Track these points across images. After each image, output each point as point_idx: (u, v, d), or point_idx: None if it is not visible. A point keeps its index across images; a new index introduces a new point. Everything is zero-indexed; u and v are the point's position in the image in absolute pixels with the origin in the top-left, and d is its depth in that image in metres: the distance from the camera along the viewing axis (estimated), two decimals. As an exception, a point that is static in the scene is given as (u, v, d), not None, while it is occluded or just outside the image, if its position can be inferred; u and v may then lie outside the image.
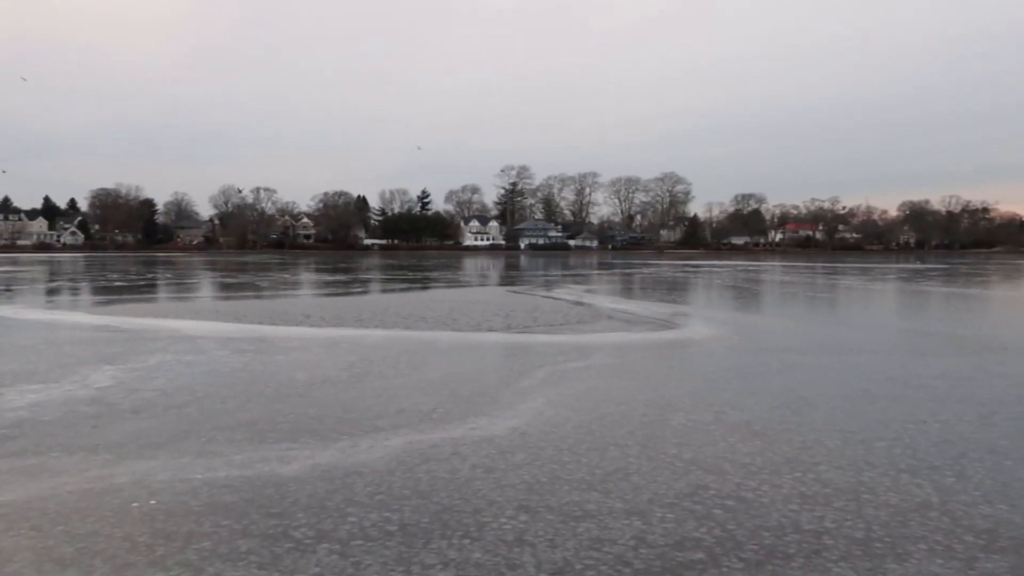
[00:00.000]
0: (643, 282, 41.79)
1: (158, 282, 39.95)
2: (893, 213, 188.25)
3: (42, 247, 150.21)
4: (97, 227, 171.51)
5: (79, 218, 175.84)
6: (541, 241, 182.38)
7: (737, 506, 5.60)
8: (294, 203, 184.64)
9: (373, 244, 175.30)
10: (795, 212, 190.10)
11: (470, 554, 4.75)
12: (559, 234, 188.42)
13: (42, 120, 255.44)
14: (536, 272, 57.33)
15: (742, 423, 8.18)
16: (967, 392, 9.98)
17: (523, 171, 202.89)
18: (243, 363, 12.12)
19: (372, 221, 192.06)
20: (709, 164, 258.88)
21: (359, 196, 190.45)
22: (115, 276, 45.69)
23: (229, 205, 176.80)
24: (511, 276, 50.60)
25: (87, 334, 16.03)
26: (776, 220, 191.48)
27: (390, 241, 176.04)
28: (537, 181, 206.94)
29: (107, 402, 9.11)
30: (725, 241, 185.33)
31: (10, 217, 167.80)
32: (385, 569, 4.53)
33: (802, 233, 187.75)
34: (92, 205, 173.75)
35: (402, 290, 33.80)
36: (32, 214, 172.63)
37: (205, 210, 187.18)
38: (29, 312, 21.39)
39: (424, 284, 38.99)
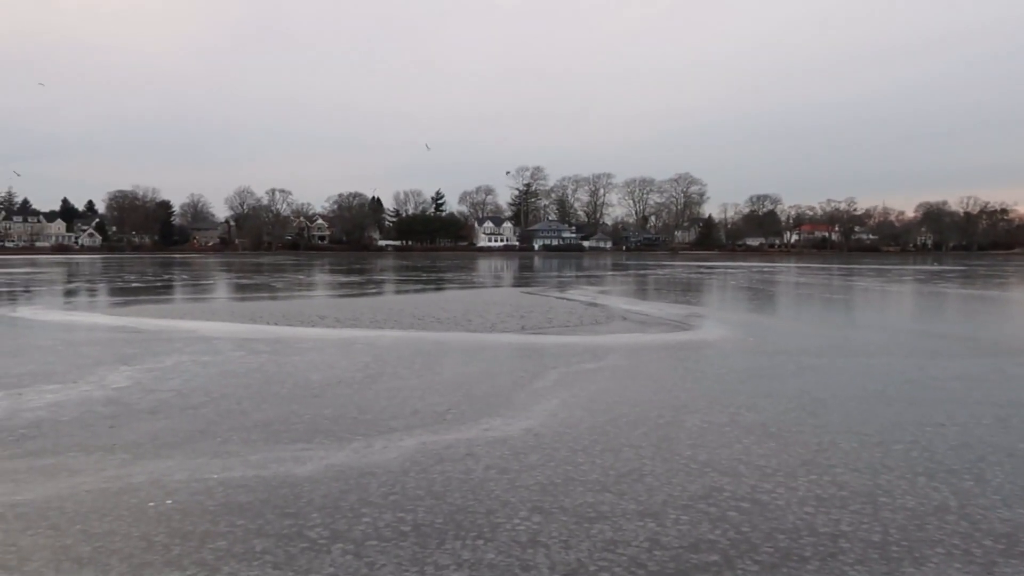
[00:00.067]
0: (657, 283, 41.67)
1: (174, 283, 40.23)
2: (910, 214, 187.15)
3: (60, 249, 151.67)
4: (114, 229, 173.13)
5: (97, 220, 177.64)
6: (555, 242, 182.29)
7: (752, 508, 5.57)
8: (309, 204, 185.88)
9: (387, 245, 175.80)
10: (811, 213, 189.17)
11: (484, 555, 4.75)
12: (573, 235, 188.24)
13: (60, 122, 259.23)
14: (550, 273, 57.30)
15: (757, 425, 8.14)
16: (984, 394, 9.89)
17: (537, 172, 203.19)
18: (258, 364, 12.18)
19: (386, 222, 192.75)
20: (724, 165, 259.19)
21: (373, 197, 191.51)
22: (132, 277, 46.05)
23: (244, 207, 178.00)
24: (525, 277, 50.59)
25: (104, 335, 16.17)
26: (791, 221, 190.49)
27: (404, 242, 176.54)
28: (551, 182, 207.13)
29: (124, 402, 9.18)
30: (740, 242, 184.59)
31: (29, 219, 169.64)
32: (399, 569, 4.54)
33: (818, 234, 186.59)
34: (109, 207, 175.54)
35: (416, 291, 33.87)
36: (51, 216, 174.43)
37: (221, 211, 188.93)
38: (47, 313, 21.59)
39: (438, 285, 39.05)
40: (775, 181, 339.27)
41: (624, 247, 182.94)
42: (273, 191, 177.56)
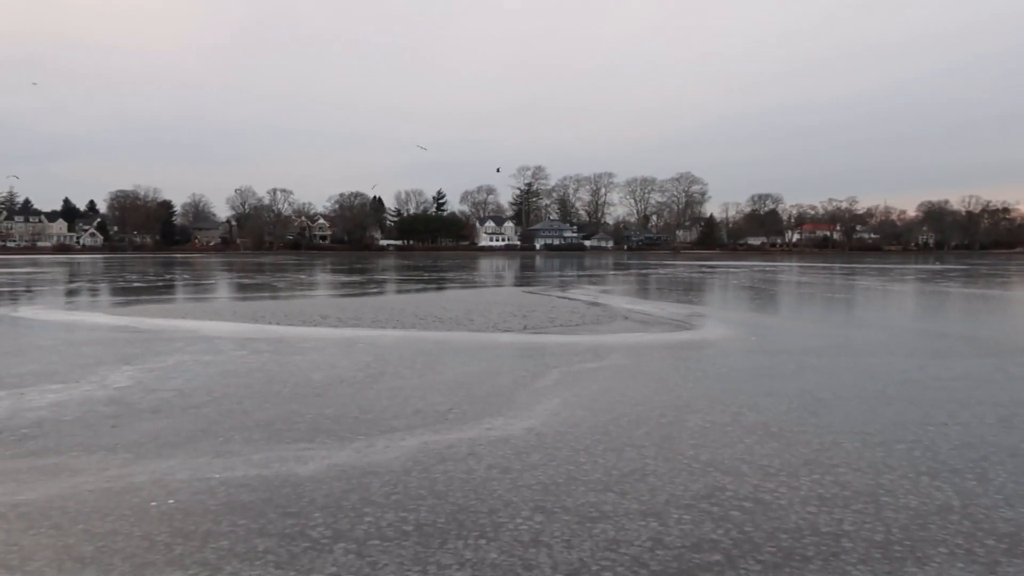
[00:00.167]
0: (659, 283, 41.66)
1: (176, 283, 40.25)
2: (912, 213, 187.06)
3: (61, 248, 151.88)
4: (116, 228, 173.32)
5: (98, 219, 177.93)
6: (556, 241, 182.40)
7: (755, 508, 5.57)
8: (310, 204, 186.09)
9: (389, 245, 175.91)
10: (812, 212, 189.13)
11: (486, 554, 4.75)
12: (574, 234, 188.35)
13: (62, 121, 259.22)
14: (551, 273, 57.29)
15: (759, 424, 8.13)
16: (987, 394, 9.87)
17: (538, 171, 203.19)
18: (260, 363, 12.18)
19: (388, 222, 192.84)
20: (725, 164, 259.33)
21: (375, 197, 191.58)
22: (133, 277, 46.08)
23: (246, 206, 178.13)
24: (526, 276, 50.59)
25: (106, 335, 16.18)
26: (793, 220, 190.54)
27: (406, 242, 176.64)
28: (552, 181, 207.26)
29: (126, 402, 9.19)
30: (741, 242, 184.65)
31: (31, 219, 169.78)
32: (401, 569, 4.54)
33: (819, 233, 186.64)
34: (111, 207, 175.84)
35: (418, 290, 33.87)
36: (52, 216, 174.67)
37: (222, 211, 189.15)
38: (49, 313, 21.60)
39: (440, 285, 39.05)
40: (776, 180, 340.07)
41: (626, 246, 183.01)
42: (274, 191, 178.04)
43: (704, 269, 63.73)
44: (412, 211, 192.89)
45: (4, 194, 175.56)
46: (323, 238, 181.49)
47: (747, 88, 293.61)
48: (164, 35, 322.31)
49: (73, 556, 4.71)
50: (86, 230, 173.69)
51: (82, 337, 15.72)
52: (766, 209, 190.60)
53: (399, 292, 33.36)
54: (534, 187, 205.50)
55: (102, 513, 5.44)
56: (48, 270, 58.17)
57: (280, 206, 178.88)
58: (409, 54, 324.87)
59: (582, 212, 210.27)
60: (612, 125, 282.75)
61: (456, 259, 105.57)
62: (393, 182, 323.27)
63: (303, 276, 48.70)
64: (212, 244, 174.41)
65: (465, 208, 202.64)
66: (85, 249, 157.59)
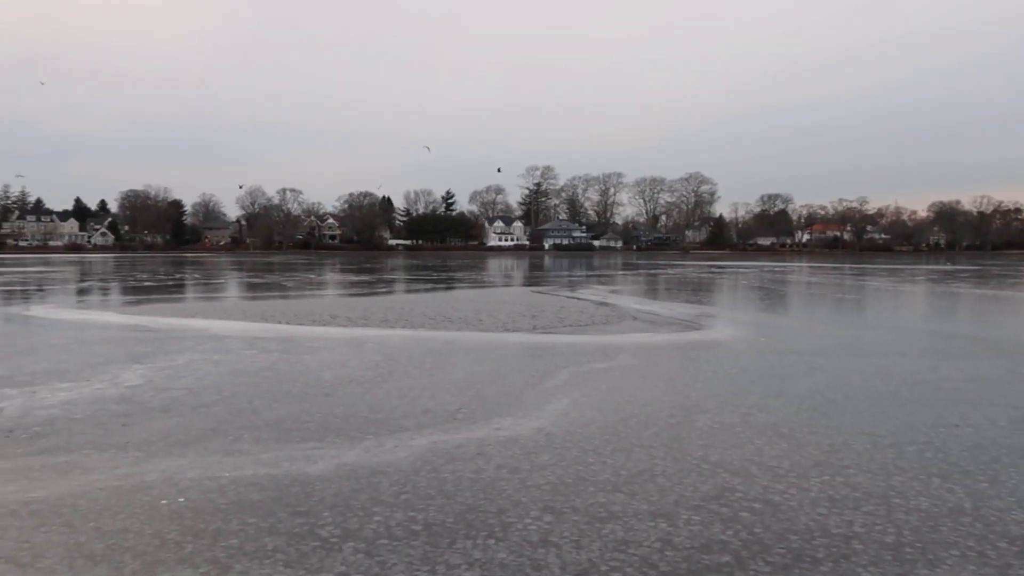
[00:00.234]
0: (668, 283, 41.59)
1: (186, 282, 40.41)
2: (923, 214, 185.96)
3: (73, 248, 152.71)
4: (127, 228, 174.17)
5: (109, 219, 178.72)
6: (565, 241, 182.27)
7: (764, 509, 5.55)
8: (319, 204, 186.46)
9: (398, 244, 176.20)
10: (822, 213, 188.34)
11: (495, 554, 4.75)
12: (583, 234, 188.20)
13: (72, 121, 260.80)
14: (560, 273, 57.26)
15: (769, 425, 8.10)
16: (999, 395, 9.81)
17: (547, 171, 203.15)
18: (270, 362, 12.22)
19: (397, 221, 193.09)
20: (734, 164, 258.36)
21: (384, 196, 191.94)
22: (144, 276, 46.31)
23: (256, 206, 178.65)
24: (535, 276, 50.58)
25: (117, 334, 16.26)
26: (803, 221, 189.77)
27: (415, 241, 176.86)
28: (561, 181, 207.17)
29: (137, 401, 9.23)
30: (751, 242, 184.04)
31: (42, 218, 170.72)
32: (410, 568, 4.55)
33: (829, 234, 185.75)
34: (122, 206, 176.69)
35: (427, 290, 33.90)
36: (64, 215, 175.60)
37: (232, 211, 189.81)
38: (60, 312, 21.73)
39: (449, 284, 39.09)
40: (786, 180, 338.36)
41: (635, 246, 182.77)
42: (284, 190, 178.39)
43: (713, 269, 63.58)
44: (421, 211, 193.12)
45: (16, 194, 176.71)
46: (332, 238, 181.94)
47: (755, 86, 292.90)
48: (174, 34, 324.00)
49: (84, 554, 4.74)
50: (97, 229, 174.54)
51: (93, 336, 15.80)
52: (776, 209, 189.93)
53: (408, 292, 33.41)
54: (543, 187, 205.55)
55: (113, 511, 5.46)
56: (59, 269, 58.51)
57: (289, 206, 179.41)
58: (418, 51, 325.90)
59: (591, 212, 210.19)
60: (621, 124, 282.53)
61: (465, 259, 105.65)
62: (402, 181, 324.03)
63: (312, 276, 48.83)
64: (222, 244, 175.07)
65: (474, 208, 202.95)
66: (96, 248, 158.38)
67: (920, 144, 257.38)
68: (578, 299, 27.17)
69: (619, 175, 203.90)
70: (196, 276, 47.99)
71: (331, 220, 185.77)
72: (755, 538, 5.02)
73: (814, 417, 8.52)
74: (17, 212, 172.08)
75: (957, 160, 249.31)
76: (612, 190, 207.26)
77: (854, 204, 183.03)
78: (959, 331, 18.84)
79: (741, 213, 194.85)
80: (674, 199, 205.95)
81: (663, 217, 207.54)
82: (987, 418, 8.47)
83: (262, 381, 10.62)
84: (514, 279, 46.81)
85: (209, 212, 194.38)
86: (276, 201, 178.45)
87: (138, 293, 31.44)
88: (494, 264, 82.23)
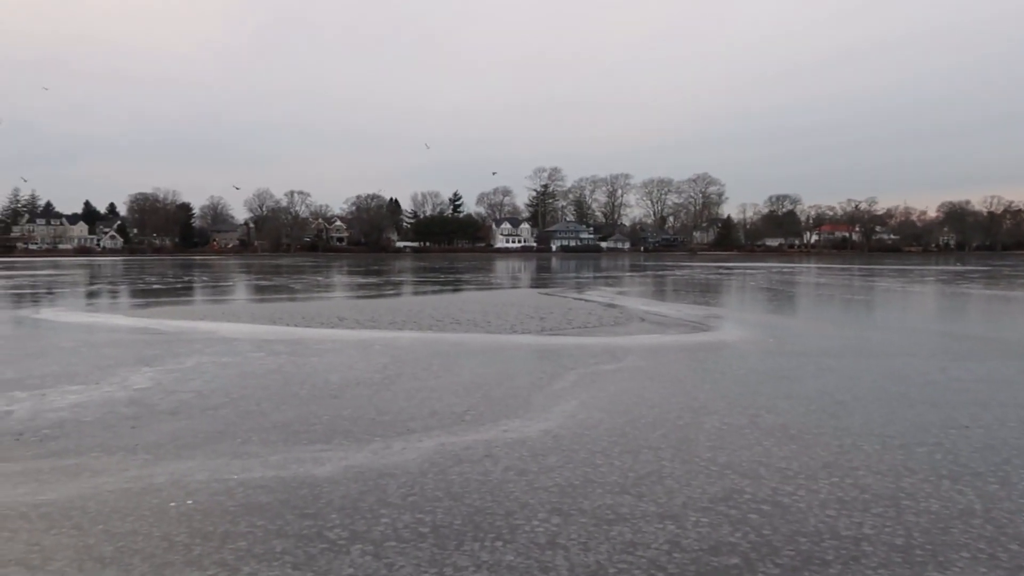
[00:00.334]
0: (676, 284, 41.51)
1: (194, 285, 40.56)
2: (932, 214, 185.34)
3: (82, 251, 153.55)
4: (135, 231, 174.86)
5: (118, 222, 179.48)
6: (573, 243, 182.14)
7: (773, 511, 5.53)
8: (327, 206, 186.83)
9: (405, 246, 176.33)
10: (831, 213, 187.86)
11: (503, 556, 4.74)
12: (591, 236, 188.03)
13: (80, 123, 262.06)
14: (568, 274, 57.22)
15: (778, 427, 8.07)
16: (1009, 396, 9.75)
17: (555, 173, 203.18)
18: (278, 365, 12.24)
19: (404, 223, 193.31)
20: (742, 165, 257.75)
21: (391, 199, 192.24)
22: (152, 279, 46.49)
23: (264, 208, 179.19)
24: (543, 278, 50.55)
25: (126, 336, 16.32)
26: (811, 221, 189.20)
27: (422, 243, 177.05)
28: (569, 183, 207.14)
29: (145, 403, 9.26)
30: (759, 243, 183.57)
31: (52, 222, 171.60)
32: (418, 570, 4.54)
33: (838, 234, 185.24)
34: (131, 209, 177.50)
35: (434, 292, 33.93)
36: (73, 219, 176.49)
37: (240, 214, 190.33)
38: (70, 315, 21.83)
39: (456, 286, 39.11)
40: (794, 180, 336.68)
41: (642, 248, 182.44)
42: (292, 193, 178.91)
43: (721, 270, 63.44)
44: (428, 213, 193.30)
45: (26, 197, 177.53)
46: (340, 240, 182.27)
47: (762, 85, 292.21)
48: (182, 35, 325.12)
49: (93, 556, 4.76)
50: (106, 232, 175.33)
51: (102, 339, 15.87)
52: (784, 210, 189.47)
53: (416, 294, 33.45)
54: (550, 188, 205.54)
55: (122, 513, 5.48)
56: (69, 272, 58.81)
57: (297, 208, 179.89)
58: (424, 51, 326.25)
59: (598, 213, 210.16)
60: (628, 125, 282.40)
61: (472, 261, 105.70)
62: (409, 183, 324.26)
63: (320, 278, 48.95)
64: (230, 246, 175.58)
65: (481, 210, 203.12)
66: (105, 251, 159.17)
67: (929, 143, 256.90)
68: (586, 301, 27.15)
69: (626, 176, 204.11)
70: (204, 279, 48.15)
71: (339, 222, 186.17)
72: (764, 540, 5.00)
73: (823, 418, 8.48)
74: (27, 215, 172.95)
75: (967, 159, 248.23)
76: (619, 191, 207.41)
77: (863, 205, 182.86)
78: (969, 332, 18.74)
79: (749, 214, 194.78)
80: (682, 200, 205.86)
81: (671, 218, 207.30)
82: (997, 419, 8.41)
83: (270, 383, 10.65)
84: (521, 281, 46.80)
85: (217, 215, 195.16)
86: (284, 203, 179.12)
87: (147, 296, 31.57)
88: (501, 266, 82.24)
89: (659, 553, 4.79)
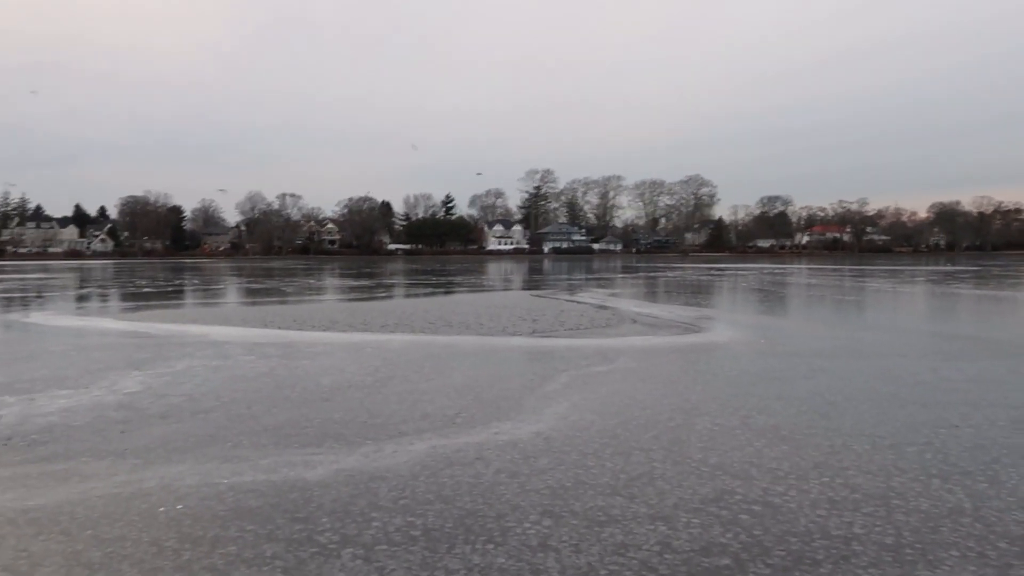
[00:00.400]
0: (668, 286, 41.58)
1: (185, 288, 40.42)
2: (922, 215, 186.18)
3: (72, 254, 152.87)
4: (126, 234, 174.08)
5: (109, 225, 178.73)
6: (565, 245, 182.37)
7: (764, 511, 5.54)
8: (319, 209, 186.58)
9: (397, 249, 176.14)
10: (822, 214, 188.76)
11: (494, 559, 4.74)
12: (583, 238, 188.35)
13: (72, 126, 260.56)
14: (560, 276, 57.24)
15: (769, 427, 8.09)
16: (999, 396, 9.80)
17: (547, 175, 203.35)
18: (269, 368, 12.21)
19: (396, 226, 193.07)
20: (734, 167, 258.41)
21: (383, 201, 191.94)
22: (143, 282, 46.31)
23: (255, 211, 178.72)
24: (535, 280, 50.56)
25: (116, 340, 16.25)
26: (802, 222, 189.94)
27: (414, 246, 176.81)
28: (561, 185, 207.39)
29: (135, 407, 9.22)
30: (751, 244, 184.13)
31: (42, 225, 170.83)
32: (409, 574, 4.53)
33: (829, 235, 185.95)
34: (121, 212, 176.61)
35: (427, 294, 33.90)
36: (63, 222, 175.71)
37: (232, 216, 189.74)
38: (59, 318, 21.73)
39: (448, 289, 39.09)
40: (785, 181, 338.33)
41: (634, 249, 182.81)
42: (283, 195, 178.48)
43: (713, 272, 63.59)
44: (420, 215, 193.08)
45: (16, 201, 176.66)
46: (332, 242, 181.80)
47: (755, 87, 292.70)
48: (174, 38, 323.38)
49: (82, 562, 4.73)
50: (97, 236, 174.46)
51: (92, 342, 15.80)
52: (775, 211, 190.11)
53: (408, 296, 33.41)
54: (542, 190, 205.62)
55: (111, 519, 5.45)
56: (59, 276, 58.53)
57: (289, 211, 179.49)
58: (419, 56, 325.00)
59: (591, 215, 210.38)
60: (621, 126, 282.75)
61: (465, 263, 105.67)
62: (402, 185, 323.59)
63: (312, 281, 48.85)
64: (222, 249, 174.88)
65: (473, 212, 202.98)
66: (96, 255, 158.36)
67: (920, 145, 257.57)
68: (578, 302, 27.17)
69: (618, 178, 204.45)
70: (195, 282, 47.99)
71: (330, 225, 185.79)
72: (755, 540, 5.01)
73: (814, 419, 8.51)
74: (17, 219, 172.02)
75: (957, 160, 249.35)
76: (612, 193, 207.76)
77: (853, 205, 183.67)
78: (959, 332, 18.83)
79: (741, 215, 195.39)
80: (674, 202, 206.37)
81: (663, 220, 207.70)
82: (987, 419, 8.45)
83: (261, 387, 10.61)
84: (514, 283, 46.81)
85: (209, 217, 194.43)
86: (276, 206, 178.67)
87: (137, 299, 31.44)
88: (494, 268, 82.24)
89: (650, 554, 4.79)
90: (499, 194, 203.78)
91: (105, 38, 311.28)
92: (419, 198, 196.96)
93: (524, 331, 17.42)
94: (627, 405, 9.28)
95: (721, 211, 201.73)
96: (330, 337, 16.38)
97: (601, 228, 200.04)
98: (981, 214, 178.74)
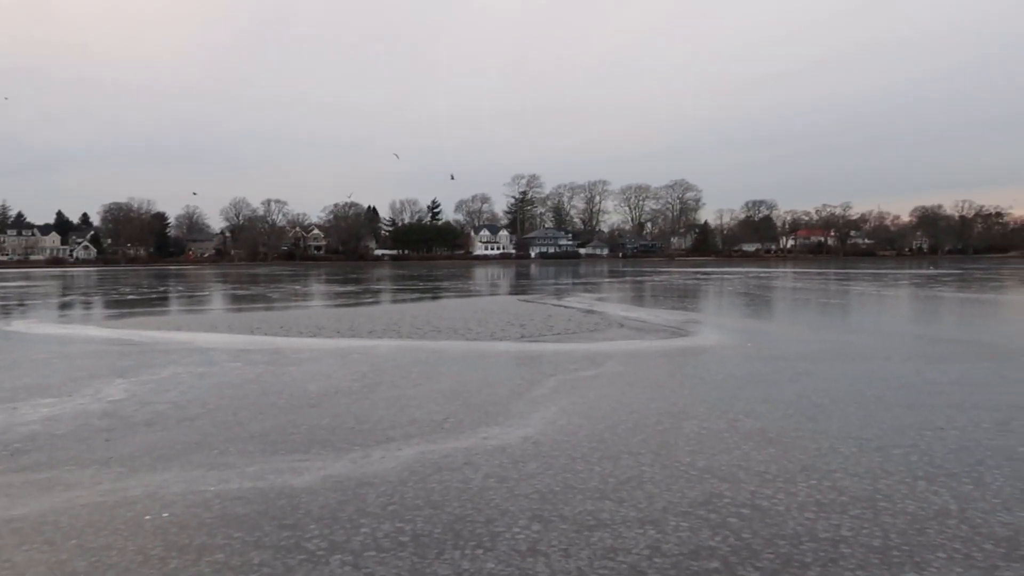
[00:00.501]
0: (654, 290, 41.69)
1: (170, 295, 40.14)
2: (905, 218, 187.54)
3: (55, 262, 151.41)
4: (109, 241, 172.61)
5: (91, 232, 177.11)
6: (551, 249, 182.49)
7: (752, 514, 5.55)
8: (304, 214, 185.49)
9: (383, 254, 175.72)
10: (806, 218, 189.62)
11: (483, 564, 4.72)
12: (569, 242, 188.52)
13: (54, 132, 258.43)
14: (547, 281, 57.26)
15: (756, 431, 8.12)
16: (983, 398, 9.88)
17: (533, 180, 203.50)
18: (255, 375, 12.14)
19: (382, 231, 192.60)
20: (719, 171, 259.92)
21: (369, 207, 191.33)
22: (127, 290, 45.96)
23: (240, 217, 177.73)
24: (522, 285, 50.57)
25: (100, 348, 16.11)
26: (787, 226, 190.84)
27: (400, 251, 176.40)
28: (547, 190, 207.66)
29: (120, 415, 9.14)
30: (736, 248, 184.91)
31: (23, 232, 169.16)
32: (398, 580, 4.51)
33: (813, 239, 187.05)
34: (104, 219, 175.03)
35: (413, 300, 33.82)
36: (45, 229, 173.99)
37: (216, 223, 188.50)
38: (43, 327, 21.53)
39: (435, 294, 39.03)
40: (771, 187, 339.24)
41: (621, 254, 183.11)
42: (268, 201, 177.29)
43: (699, 276, 63.81)
44: (407, 220, 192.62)
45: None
46: (318, 248, 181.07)
47: (738, 92, 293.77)
48: (158, 43, 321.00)
49: (67, 571, 4.67)
50: (79, 243, 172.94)
51: (76, 350, 15.66)
52: (760, 215, 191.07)
53: (395, 302, 33.32)
54: (528, 195, 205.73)
55: (96, 527, 5.40)
56: (41, 283, 58.01)
57: (274, 217, 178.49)
58: (404, 61, 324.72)
59: (577, 220, 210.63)
60: (606, 131, 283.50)
61: (451, 268, 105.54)
62: (388, 190, 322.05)
63: (298, 287, 48.65)
64: (206, 256, 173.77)
65: (460, 217, 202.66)
66: (78, 262, 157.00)
67: (902, 149, 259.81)
68: (565, 307, 27.19)
69: (604, 183, 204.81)
70: (180, 289, 47.68)
71: (316, 231, 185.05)
72: (743, 543, 5.02)
73: (801, 422, 8.54)
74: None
75: (939, 165, 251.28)
76: (598, 198, 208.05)
77: (837, 210, 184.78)
78: (943, 335, 18.98)
79: (726, 220, 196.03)
80: (659, 206, 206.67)
81: (649, 224, 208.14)
82: (972, 421, 8.52)
83: (247, 393, 10.55)
84: (501, 288, 46.81)
85: (193, 224, 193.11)
86: (260, 212, 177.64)
87: (121, 307, 31.20)
88: (481, 273, 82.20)
89: (640, 558, 4.79)
90: (485, 199, 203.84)
91: (83, 43, 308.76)
92: (405, 203, 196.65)
93: (512, 336, 17.41)
94: (615, 409, 9.29)
95: (706, 215, 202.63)
96: (317, 343, 16.31)
97: (587, 233, 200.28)
98: (963, 218, 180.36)
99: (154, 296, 38.79)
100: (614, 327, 19.59)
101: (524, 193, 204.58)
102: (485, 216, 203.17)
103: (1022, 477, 6.41)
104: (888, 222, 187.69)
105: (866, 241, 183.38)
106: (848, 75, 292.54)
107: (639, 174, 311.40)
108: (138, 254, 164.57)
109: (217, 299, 36.99)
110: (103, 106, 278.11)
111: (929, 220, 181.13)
